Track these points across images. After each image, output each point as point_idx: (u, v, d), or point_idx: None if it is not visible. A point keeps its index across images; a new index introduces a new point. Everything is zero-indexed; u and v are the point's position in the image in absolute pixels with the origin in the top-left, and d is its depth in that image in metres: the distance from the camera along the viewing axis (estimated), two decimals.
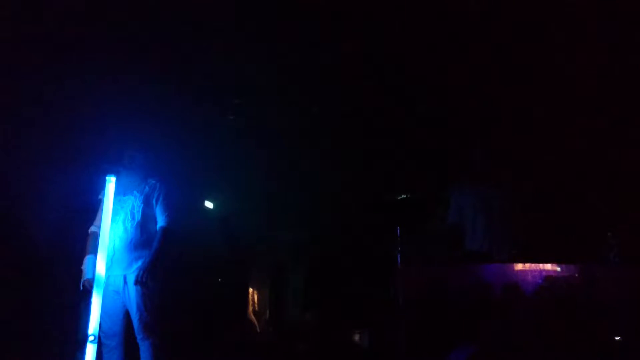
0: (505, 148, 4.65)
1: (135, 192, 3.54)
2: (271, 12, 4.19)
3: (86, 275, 3.36)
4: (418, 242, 4.49)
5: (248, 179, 6.05)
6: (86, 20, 4.03)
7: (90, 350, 3.08)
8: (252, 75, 4.83)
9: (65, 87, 4.28)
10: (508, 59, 4.64)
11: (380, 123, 5.49)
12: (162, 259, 3.42)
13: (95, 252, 3.33)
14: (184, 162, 4.91)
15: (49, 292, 4.18)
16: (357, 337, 5.28)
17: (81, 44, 4.16)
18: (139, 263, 3.39)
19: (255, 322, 6.25)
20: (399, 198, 5.09)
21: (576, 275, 3.66)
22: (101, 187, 3.41)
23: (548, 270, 3.67)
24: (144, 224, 3.47)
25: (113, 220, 3.37)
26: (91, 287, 3.20)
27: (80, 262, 3.43)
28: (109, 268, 3.33)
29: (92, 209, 3.60)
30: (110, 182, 3.34)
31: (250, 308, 6.27)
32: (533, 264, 3.69)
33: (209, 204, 6.44)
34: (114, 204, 3.36)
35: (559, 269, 3.68)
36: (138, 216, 3.47)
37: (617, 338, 3.49)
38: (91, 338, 3.09)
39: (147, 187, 3.55)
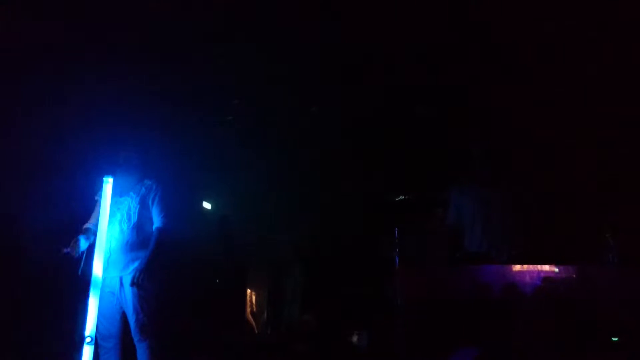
0: (505, 148, 4.64)
1: (131, 193, 3.52)
2: (271, 12, 4.18)
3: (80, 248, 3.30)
4: (417, 243, 4.49)
5: (245, 179, 6.04)
6: (84, 22, 4.03)
7: (87, 352, 3.06)
8: (251, 75, 4.82)
9: (62, 89, 4.28)
10: (508, 59, 4.63)
11: (379, 123, 5.49)
12: (159, 260, 3.40)
13: (86, 237, 3.33)
14: (181, 163, 4.90)
15: (46, 294, 4.17)
16: (355, 338, 5.26)
17: (79, 45, 4.16)
18: (136, 264, 3.37)
19: (253, 323, 6.23)
20: (398, 199, 5.08)
21: (575, 276, 3.66)
22: (98, 187, 3.39)
23: (546, 272, 3.66)
24: (140, 225, 3.45)
25: (109, 221, 3.35)
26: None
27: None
28: (105, 269, 3.31)
29: (90, 210, 3.57)
30: (108, 183, 3.33)
31: (248, 309, 6.25)
32: (531, 265, 3.68)
33: (206, 205, 6.43)
34: (110, 206, 3.33)
35: (557, 270, 3.67)
36: (134, 217, 3.45)
37: (615, 339, 3.48)
38: (88, 340, 3.08)
39: (143, 188, 3.53)
